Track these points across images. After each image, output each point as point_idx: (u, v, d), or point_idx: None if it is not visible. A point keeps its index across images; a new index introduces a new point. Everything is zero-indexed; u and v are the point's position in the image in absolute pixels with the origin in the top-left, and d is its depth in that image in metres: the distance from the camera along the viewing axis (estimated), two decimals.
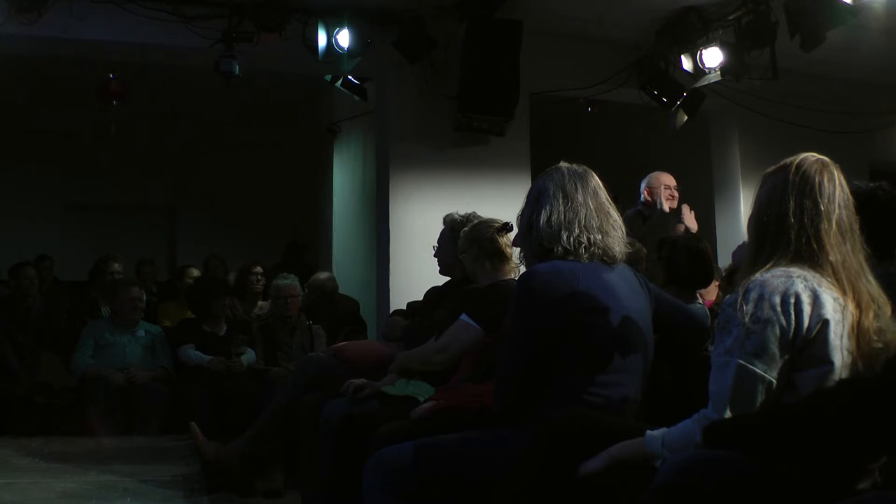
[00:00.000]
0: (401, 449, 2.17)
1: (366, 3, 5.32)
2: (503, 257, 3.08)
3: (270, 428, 3.70)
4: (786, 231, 1.67)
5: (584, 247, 2.14)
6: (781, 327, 1.57)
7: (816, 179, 1.69)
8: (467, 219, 3.49)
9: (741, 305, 1.60)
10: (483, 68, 5.26)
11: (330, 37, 5.28)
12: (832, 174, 1.71)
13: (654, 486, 1.45)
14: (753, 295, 1.60)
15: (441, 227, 3.71)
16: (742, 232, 6.41)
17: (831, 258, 1.64)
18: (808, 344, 1.58)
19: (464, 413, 2.39)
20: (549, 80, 5.88)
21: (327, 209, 8.10)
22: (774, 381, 1.57)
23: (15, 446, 3.65)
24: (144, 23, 5.06)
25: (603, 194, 2.24)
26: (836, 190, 1.70)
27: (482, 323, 2.92)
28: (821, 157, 1.75)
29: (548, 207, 2.17)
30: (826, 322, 1.58)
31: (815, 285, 1.60)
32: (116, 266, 6.08)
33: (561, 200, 2.17)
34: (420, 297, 4.20)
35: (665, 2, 5.41)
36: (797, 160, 1.73)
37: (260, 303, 5.87)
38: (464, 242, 3.16)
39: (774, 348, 1.57)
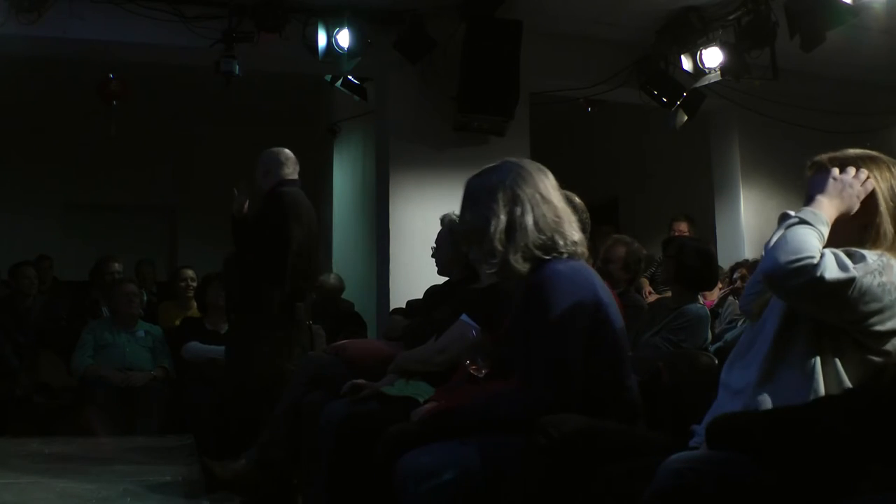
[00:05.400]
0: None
1: (366, 3, 5.32)
2: None
3: (279, 432, 3.71)
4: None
5: (578, 247, 2.12)
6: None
7: None
8: None
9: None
10: (483, 68, 5.26)
11: (330, 37, 5.29)
12: None
13: (654, 489, 1.45)
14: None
15: (439, 226, 3.71)
16: (743, 231, 6.41)
17: None
18: None
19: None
20: (549, 80, 5.88)
21: (327, 209, 8.10)
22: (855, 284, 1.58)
23: (15, 446, 3.65)
24: (144, 23, 5.06)
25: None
26: None
27: (482, 323, 2.92)
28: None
29: (531, 210, 2.07)
30: None
31: None
32: (116, 266, 6.08)
33: (541, 202, 2.09)
34: (420, 297, 4.20)
35: (665, 2, 5.42)
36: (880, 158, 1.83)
37: None
38: None
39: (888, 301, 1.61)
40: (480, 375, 2.15)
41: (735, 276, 4.97)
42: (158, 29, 5.10)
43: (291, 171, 4.29)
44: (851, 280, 1.58)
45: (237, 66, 5.14)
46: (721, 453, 1.51)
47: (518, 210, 2.06)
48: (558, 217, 2.10)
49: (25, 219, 8.41)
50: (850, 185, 1.76)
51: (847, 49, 5.44)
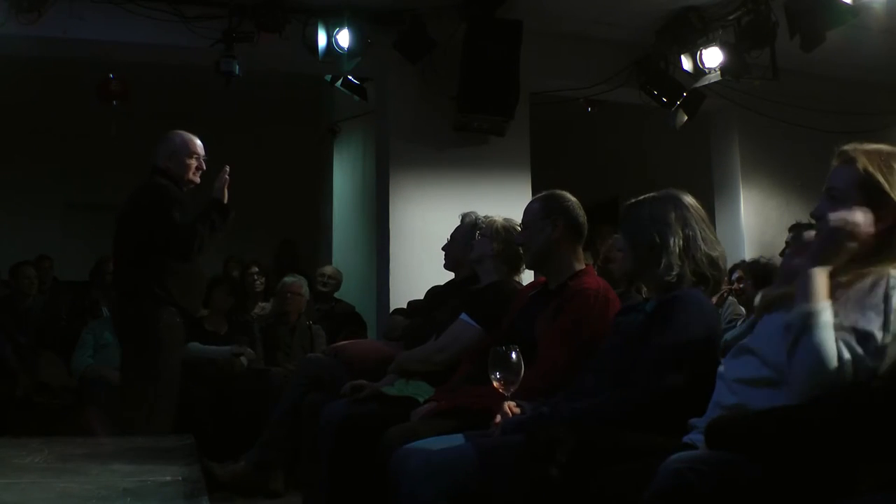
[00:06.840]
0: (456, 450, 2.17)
1: (366, 3, 5.32)
2: (516, 269, 3.23)
3: (279, 433, 3.72)
4: None
5: (722, 276, 2.31)
6: None
7: None
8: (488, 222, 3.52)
9: None
10: (483, 68, 5.26)
11: (330, 37, 5.29)
12: None
13: (654, 489, 1.45)
14: None
15: (439, 226, 3.72)
16: (743, 231, 6.41)
17: None
18: None
19: (465, 414, 2.39)
20: (549, 80, 5.88)
21: (327, 209, 8.11)
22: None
23: (15, 446, 3.65)
24: (144, 23, 5.06)
25: None
26: None
27: (482, 323, 2.93)
28: None
29: (698, 231, 2.27)
30: None
31: None
32: None
33: (704, 226, 2.30)
34: (420, 297, 4.20)
35: (665, 2, 5.41)
36: None
37: (261, 303, 5.88)
38: (493, 232, 3.19)
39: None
40: (508, 394, 2.18)
41: (734, 276, 4.97)
42: (158, 29, 5.10)
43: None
44: (869, 369, 1.57)
45: (237, 66, 5.14)
46: (721, 453, 1.51)
47: (689, 231, 2.27)
48: (716, 239, 2.33)
49: (25, 219, 8.41)
50: (843, 229, 1.70)
51: (847, 49, 5.44)
